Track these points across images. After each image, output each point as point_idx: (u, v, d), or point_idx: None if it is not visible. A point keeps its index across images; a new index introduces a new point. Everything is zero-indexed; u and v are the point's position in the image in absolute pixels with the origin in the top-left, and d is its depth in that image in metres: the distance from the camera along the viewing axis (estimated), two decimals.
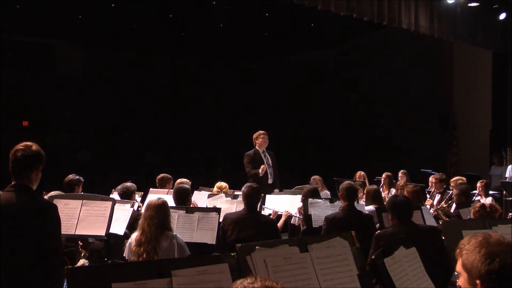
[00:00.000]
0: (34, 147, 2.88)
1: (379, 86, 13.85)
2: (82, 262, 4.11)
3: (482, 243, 1.79)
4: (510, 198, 8.34)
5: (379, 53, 13.86)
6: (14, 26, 11.83)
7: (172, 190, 5.81)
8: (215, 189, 6.45)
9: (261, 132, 7.44)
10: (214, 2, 11.40)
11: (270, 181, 7.22)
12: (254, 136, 7.44)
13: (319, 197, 5.71)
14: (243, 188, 4.70)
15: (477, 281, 1.76)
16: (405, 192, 6.11)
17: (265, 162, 7.26)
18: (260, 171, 7.11)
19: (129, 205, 4.83)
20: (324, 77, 15.14)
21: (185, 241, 3.90)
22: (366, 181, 8.36)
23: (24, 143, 2.88)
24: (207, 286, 2.13)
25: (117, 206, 4.60)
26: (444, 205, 6.81)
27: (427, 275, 2.66)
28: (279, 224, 5.34)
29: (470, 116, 12.20)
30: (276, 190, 7.00)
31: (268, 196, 6.11)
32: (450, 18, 9.61)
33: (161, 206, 3.80)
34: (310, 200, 5.39)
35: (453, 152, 12.38)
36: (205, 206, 5.61)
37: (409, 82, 13.08)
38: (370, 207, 5.58)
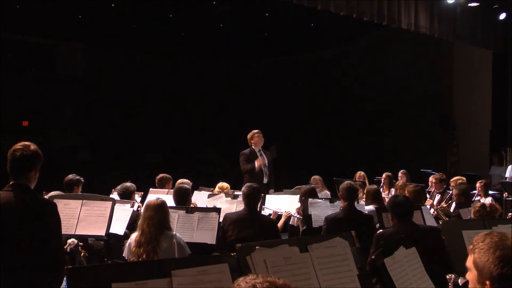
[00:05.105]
0: (33, 146, 2.89)
1: (379, 86, 13.84)
2: (70, 241, 4.07)
3: (497, 244, 1.74)
4: (510, 198, 8.34)
5: (379, 53, 13.85)
6: (14, 26, 11.81)
7: (172, 190, 5.81)
8: (216, 189, 6.45)
9: (255, 131, 7.37)
10: (214, 2, 11.38)
11: (265, 180, 7.13)
12: (249, 136, 7.37)
13: (316, 197, 5.70)
14: (243, 188, 4.70)
15: (487, 282, 1.73)
16: (405, 192, 6.11)
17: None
18: (256, 165, 7.02)
19: (129, 205, 4.84)
20: (324, 77, 15.13)
21: (185, 241, 3.89)
22: (366, 181, 8.36)
23: (23, 142, 2.89)
24: (207, 286, 2.12)
25: (117, 206, 4.61)
26: (444, 205, 6.81)
27: (427, 275, 2.66)
28: (279, 224, 5.33)
29: (470, 116, 12.20)
30: (272, 190, 6.96)
31: (268, 196, 6.10)
32: (450, 18, 9.60)
33: (160, 206, 3.80)
34: (310, 200, 5.38)
35: (453, 152, 12.38)
36: (205, 206, 5.60)
37: (409, 82, 13.08)
38: (370, 207, 5.57)
